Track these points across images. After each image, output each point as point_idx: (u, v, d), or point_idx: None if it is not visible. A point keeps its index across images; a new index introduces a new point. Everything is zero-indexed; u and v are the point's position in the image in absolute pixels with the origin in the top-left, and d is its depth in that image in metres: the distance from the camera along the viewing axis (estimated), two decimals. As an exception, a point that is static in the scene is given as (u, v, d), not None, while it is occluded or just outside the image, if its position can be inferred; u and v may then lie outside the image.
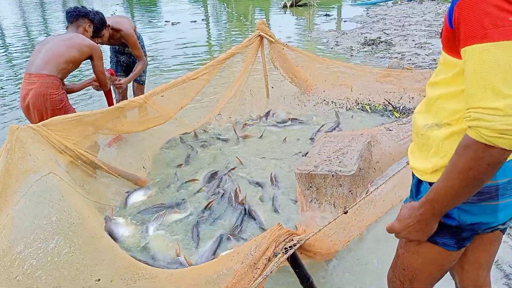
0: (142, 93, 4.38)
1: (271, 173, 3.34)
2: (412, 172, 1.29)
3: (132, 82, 4.30)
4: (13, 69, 8.29)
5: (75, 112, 3.15)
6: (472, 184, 1.00)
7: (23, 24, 15.66)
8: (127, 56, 4.29)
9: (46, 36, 12.42)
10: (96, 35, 3.65)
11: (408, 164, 1.34)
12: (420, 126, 1.23)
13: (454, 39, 1.04)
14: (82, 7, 3.53)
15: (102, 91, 3.79)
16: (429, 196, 1.10)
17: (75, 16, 3.42)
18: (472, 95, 0.94)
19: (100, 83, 3.57)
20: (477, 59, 0.93)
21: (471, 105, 0.94)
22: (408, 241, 1.30)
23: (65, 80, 3.33)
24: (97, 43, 3.65)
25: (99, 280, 1.80)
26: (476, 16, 0.92)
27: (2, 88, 6.77)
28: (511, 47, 0.89)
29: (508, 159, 1.09)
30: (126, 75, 4.20)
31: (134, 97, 4.28)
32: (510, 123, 0.89)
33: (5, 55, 9.86)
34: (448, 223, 1.19)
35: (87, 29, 3.47)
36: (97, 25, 3.60)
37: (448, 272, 1.48)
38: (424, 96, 1.28)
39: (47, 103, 3.08)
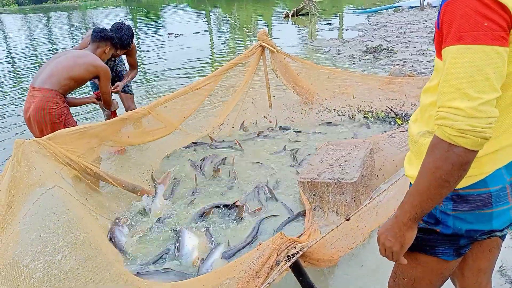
0: (133, 102, 4.47)
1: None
2: (410, 181, 1.30)
3: (121, 94, 4.35)
4: (19, 82, 8.41)
5: (77, 125, 3.20)
6: (440, 185, 1.00)
7: (29, 39, 15.89)
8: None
9: (51, 49, 12.61)
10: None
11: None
12: (413, 134, 1.24)
13: (439, 41, 1.06)
14: (111, 30, 3.67)
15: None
16: (405, 198, 1.11)
17: (99, 37, 3.51)
18: (443, 94, 0.97)
19: (104, 103, 3.64)
20: (451, 59, 0.96)
21: (441, 104, 0.97)
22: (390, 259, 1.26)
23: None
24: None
25: (104, 292, 1.81)
26: (455, 19, 0.96)
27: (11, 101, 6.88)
28: (482, 51, 0.92)
29: (499, 166, 1.10)
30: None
31: (124, 107, 4.39)
32: (471, 124, 0.92)
33: (12, 68, 10.02)
34: (444, 232, 1.19)
35: (106, 51, 3.55)
36: (118, 47, 3.74)
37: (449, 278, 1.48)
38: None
39: (47, 117, 3.14)
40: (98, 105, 3.92)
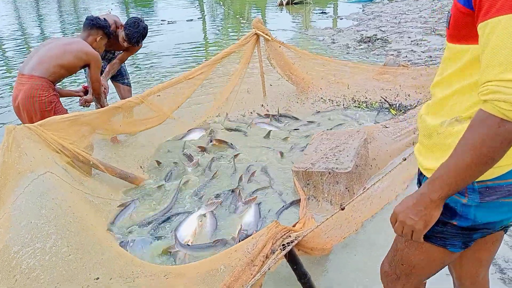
0: (131, 94, 4.40)
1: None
2: (421, 173, 1.25)
3: (119, 86, 4.30)
4: (8, 69, 8.27)
5: (67, 113, 3.15)
6: (483, 161, 0.95)
7: (18, 24, 15.59)
8: (107, 61, 4.16)
9: (41, 36, 12.39)
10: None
11: (420, 167, 1.26)
12: (434, 125, 1.17)
13: (467, 22, 1.01)
14: (104, 19, 3.55)
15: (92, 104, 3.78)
16: (435, 174, 1.05)
17: (90, 25, 3.43)
18: (491, 67, 0.91)
19: (94, 91, 3.56)
20: (503, 29, 0.89)
21: (489, 78, 0.91)
22: (407, 240, 1.24)
23: (58, 84, 3.32)
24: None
25: (98, 278, 1.80)
26: None
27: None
28: None
29: None
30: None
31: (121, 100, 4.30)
32: None
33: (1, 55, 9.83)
34: (461, 225, 1.15)
35: (97, 40, 3.46)
36: (111, 37, 3.63)
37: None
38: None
39: (36, 105, 3.08)
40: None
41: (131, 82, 4.49)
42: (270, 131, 4.03)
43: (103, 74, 3.97)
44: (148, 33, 4.00)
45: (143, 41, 4.03)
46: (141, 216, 2.85)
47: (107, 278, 1.82)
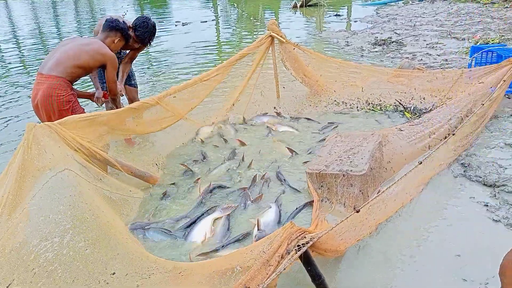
0: (137, 94, 4.45)
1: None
2: None
3: (126, 87, 4.29)
4: (26, 69, 8.43)
5: (84, 112, 3.20)
6: None
7: (36, 25, 15.88)
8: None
9: (59, 37, 12.60)
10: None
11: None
12: None
13: None
14: (124, 22, 3.62)
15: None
16: None
17: (110, 27, 3.50)
18: None
19: (110, 92, 3.61)
20: None
21: None
22: None
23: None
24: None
25: (114, 273, 1.83)
26: None
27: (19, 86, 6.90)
28: None
29: None
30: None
31: (129, 100, 4.37)
32: None
33: (19, 56, 10.03)
34: None
35: (115, 42, 3.52)
36: (129, 40, 3.70)
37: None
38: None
39: (54, 104, 3.14)
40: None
41: (142, 82, 4.53)
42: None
43: (119, 77, 4.03)
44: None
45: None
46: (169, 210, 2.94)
47: (123, 274, 1.85)
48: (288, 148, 3.68)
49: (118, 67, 4.04)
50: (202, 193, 3.08)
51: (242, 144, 3.96)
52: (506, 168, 3.19)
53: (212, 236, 2.63)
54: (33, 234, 2.05)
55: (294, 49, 4.77)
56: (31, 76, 7.54)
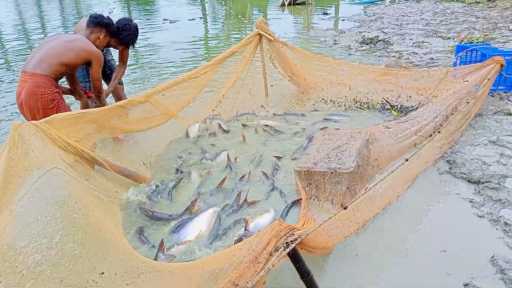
0: (123, 92, 4.41)
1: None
2: None
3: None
4: (11, 67, 8.28)
5: (70, 110, 3.16)
6: None
7: (20, 22, 15.60)
8: None
9: (43, 34, 12.40)
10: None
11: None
12: None
13: None
14: (108, 17, 3.57)
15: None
16: None
17: (94, 22, 3.45)
18: None
19: (94, 89, 3.57)
20: None
21: None
22: None
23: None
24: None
25: (103, 273, 1.82)
26: None
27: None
28: None
29: None
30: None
31: (115, 98, 4.33)
32: None
33: (3, 52, 9.84)
34: None
35: (100, 38, 3.49)
36: (113, 36, 3.65)
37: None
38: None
39: (39, 102, 3.10)
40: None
41: (127, 81, 4.49)
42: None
43: (111, 81, 4.01)
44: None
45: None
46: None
47: (112, 273, 1.84)
48: (275, 156, 3.66)
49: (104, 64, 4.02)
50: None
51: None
52: (490, 165, 3.26)
53: (202, 235, 2.63)
54: (21, 235, 2.02)
55: (282, 47, 4.79)
56: (15, 73, 7.41)
